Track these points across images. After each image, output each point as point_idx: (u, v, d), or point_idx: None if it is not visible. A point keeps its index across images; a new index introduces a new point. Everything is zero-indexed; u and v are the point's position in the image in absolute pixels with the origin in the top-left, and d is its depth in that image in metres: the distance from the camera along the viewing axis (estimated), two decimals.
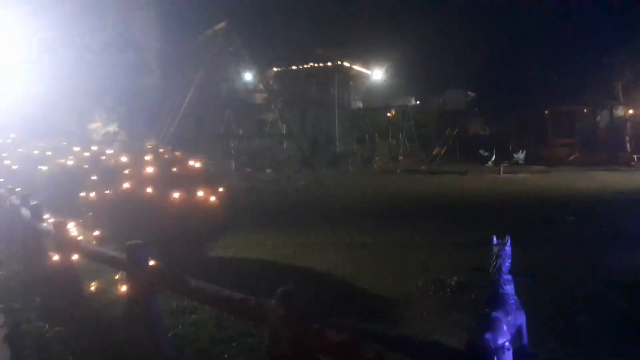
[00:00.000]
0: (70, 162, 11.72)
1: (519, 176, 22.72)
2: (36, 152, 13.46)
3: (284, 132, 25.51)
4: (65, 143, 13.61)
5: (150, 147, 8.32)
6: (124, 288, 3.96)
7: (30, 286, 5.45)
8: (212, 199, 7.47)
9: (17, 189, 8.30)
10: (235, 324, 4.44)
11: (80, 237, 7.04)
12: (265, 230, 10.63)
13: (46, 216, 6.78)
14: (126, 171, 7.55)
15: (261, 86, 26.66)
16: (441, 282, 6.51)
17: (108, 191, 7.35)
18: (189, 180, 7.47)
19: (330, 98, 36.64)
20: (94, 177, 7.93)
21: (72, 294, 4.57)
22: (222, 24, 17.54)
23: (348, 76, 39.74)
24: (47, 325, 3.80)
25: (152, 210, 6.86)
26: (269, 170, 22.04)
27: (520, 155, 29.61)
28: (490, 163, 28.40)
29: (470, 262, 7.48)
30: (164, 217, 6.83)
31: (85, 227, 7.44)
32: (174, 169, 7.68)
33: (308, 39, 38.77)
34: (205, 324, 4.74)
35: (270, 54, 33.81)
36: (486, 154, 29.70)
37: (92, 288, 5.53)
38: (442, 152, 32.69)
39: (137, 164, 7.71)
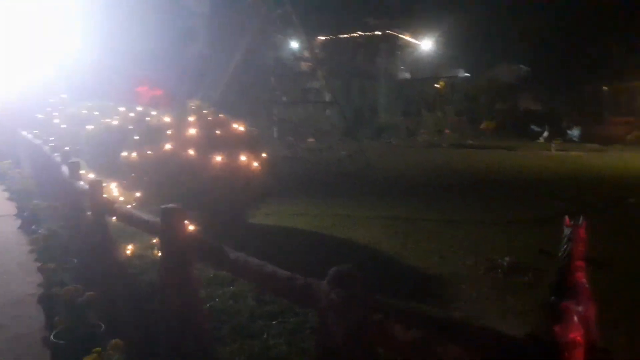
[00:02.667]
0: (115, 122, 11.70)
1: (572, 154, 21.71)
2: (84, 111, 13.58)
3: (327, 101, 25.09)
4: (111, 103, 13.66)
5: (193, 107, 8.07)
6: (159, 253, 3.75)
7: (67, 246, 5.38)
8: (255, 164, 7.22)
9: (65, 148, 8.24)
10: (277, 299, 4.16)
11: (121, 198, 6.95)
12: (307, 200, 10.42)
13: (91, 175, 6.68)
14: (169, 132, 7.36)
15: (307, 54, 26.19)
16: (492, 263, 6.17)
17: (150, 152, 7.19)
18: (231, 144, 7.24)
19: (377, 68, 35.78)
20: (136, 137, 7.79)
21: (108, 257, 4.42)
22: None
23: (396, 46, 38.69)
24: (80, 289, 3.64)
25: (193, 173, 6.69)
26: (311, 140, 21.73)
27: (575, 132, 28.39)
28: (541, 139, 27.36)
29: (523, 242, 7.08)
30: (205, 180, 6.64)
31: (127, 188, 7.35)
32: (217, 132, 7.44)
33: (356, 7, 37.78)
34: (244, 296, 4.48)
35: (317, 22, 33.11)
36: (538, 129, 28.63)
37: (128, 252, 5.40)
38: (492, 127, 31.64)
39: (179, 125, 7.50)
